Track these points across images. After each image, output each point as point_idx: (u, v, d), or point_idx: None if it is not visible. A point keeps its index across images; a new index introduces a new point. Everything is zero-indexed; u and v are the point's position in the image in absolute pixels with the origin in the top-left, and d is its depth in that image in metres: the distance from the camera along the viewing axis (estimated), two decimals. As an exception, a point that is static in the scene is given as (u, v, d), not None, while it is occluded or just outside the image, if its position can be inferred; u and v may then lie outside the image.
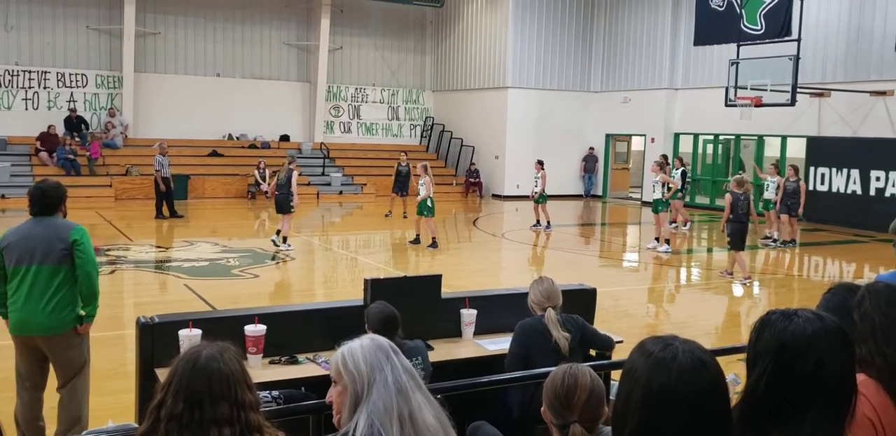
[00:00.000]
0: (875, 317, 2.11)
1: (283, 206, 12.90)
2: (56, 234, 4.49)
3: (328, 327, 4.51)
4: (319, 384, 4.10)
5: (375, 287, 4.63)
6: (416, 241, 13.64)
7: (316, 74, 24.54)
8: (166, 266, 11.47)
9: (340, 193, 22.56)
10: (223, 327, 4.15)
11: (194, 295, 9.28)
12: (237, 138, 23.90)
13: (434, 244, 13.31)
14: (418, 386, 2.03)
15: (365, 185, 23.13)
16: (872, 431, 1.94)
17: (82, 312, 4.61)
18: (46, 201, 4.55)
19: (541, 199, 15.95)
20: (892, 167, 16.50)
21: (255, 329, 4.25)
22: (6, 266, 4.51)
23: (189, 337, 4.02)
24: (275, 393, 3.84)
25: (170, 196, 17.02)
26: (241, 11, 23.84)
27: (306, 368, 4.30)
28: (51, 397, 4.70)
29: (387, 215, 18.09)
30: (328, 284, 11.10)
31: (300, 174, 12.61)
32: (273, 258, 12.20)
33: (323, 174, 23.15)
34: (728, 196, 10.97)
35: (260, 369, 4.19)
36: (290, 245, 12.85)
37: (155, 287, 10.34)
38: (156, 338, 4.15)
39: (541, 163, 16.15)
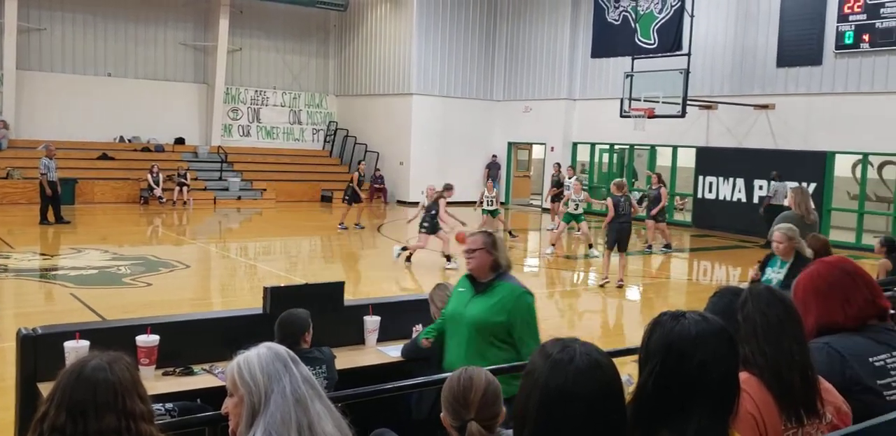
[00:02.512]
0: (756, 318, 2.22)
1: (433, 225, 12.43)
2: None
3: (225, 336, 4.38)
4: (216, 395, 3.97)
5: (275, 295, 4.54)
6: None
7: (214, 76, 23.94)
8: (51, 275, 10.91)
9: (239, 198, 22.05)
10: (113, 338, 3.96)
11: (82, 305, 8.87)
12: (129, 141, 23.03)
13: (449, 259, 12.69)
14: (318, 396, 1.99)
15: (265, 190, 22.69)
16: (754, 425, 2.02)
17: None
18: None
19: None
20: (771, 176, 17.42)
21: (147, 339, 4.09)
22: None
23: (75, 349, 3.82)
24: (169, 405, 3.70)
25: (56, 201, 16.22)
26: (135, 9, 23.02)
27: (202, 379, 4.16)
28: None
29: (359, 227, 17.33)
30: (226, 293, 10.81)
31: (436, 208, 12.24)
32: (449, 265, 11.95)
33: (220, 179, 22.58)
34: (609, 199, 11.39)
35: (153, 381, 4.02)
36: (454, 262, 12.28)
37: (39, 297, 9.81)
38: (38, 350, 3.93)
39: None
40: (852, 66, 16.22)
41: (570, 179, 17.79)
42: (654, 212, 15.10)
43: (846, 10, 16.09)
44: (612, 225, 11.19)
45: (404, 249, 12.75)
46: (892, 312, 2.69)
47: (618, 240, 11.18)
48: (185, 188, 20.98)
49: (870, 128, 15.81)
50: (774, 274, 5.93)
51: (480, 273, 3.91)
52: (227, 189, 22.23)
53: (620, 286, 11.18)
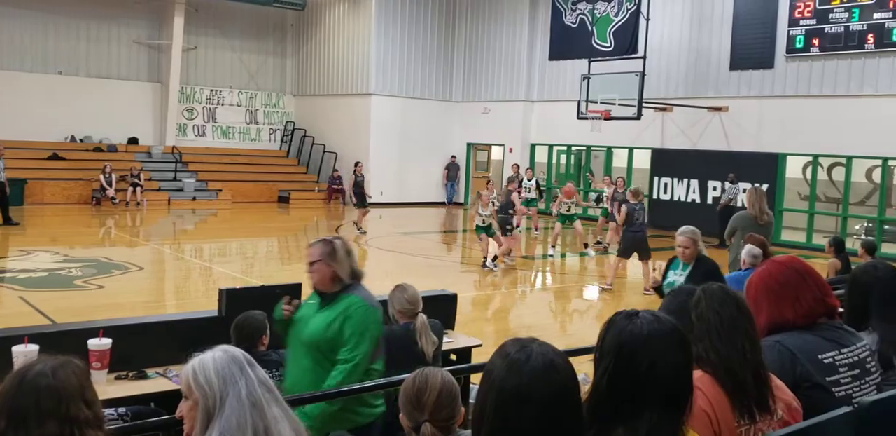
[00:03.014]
0: (710, 316, 2.25)
1: (503, 226, 12.30)
2: None
3: (180, 339, 4.32)
4: (170, 399, 3.92)
5: (231, 297, 4.49)
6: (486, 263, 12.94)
7: (168, 75, 23.56)
8: (-1, 277, 10.65)
9: (194, 199, 21.74)
10: (64, 342, 3.88)
11: (31, 308, 8.66)
12: (81, 141, 22.56)
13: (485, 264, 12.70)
14: (275, 399, 1.96)
15: (220, 191, 22.41)
16: (708, 422, 2.06)
17: None
18: None
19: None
20: (727, 177, 17.72)
21: (99, 343, 4.02)
22: None
23: (24, 353, 3.73)
24: (121, 410, 3.64)
25: (4, 202, 15.82)
26: (87, 6, 22.54)
27: (156, 382, 4.10)
28: None
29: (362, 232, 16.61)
30: (180, 295, 10.65)
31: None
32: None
33: (175, 179, 22.25)
34: (624, 207, 11.36)
35: (105, 386, 3.95)
36: (496, 265, 12.25)
37: (-14, 300, 9.56)
38: (-15, 355, 3.83)
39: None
40: (803, 69, 16.60)
41: (528, 180, 18.00)
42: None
43: (797, 15, 16.46)
44: (626, 233, 11.09)
45: (494, 259, 12.60)
46: (840, 310, 2.75)
47: (636, 249, 11.10)
48: (138, 189, 20.64)
49: (819, 130, 16.19)
50: (676, 277, 5.99)
51: (323, 286, 3.58)
52: (181, 190, 21.91)
53: (646, 294, 10.74)
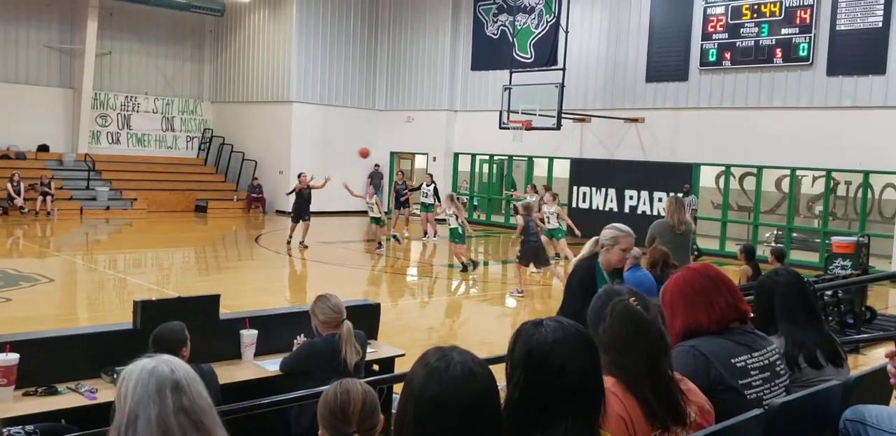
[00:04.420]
0: (610, 333, 2.27)
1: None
2: None
3: (92, 353, 4.17)
4: (82, 415, 3.79)
5: (147, 309, 4.37)
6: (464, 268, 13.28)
7: (81, 80, 22.76)
8: None
9: (108, 208, 21.05)
10: (-34, 358, 3.70)
11: (-69, 323, 8.22)
12: (-13, 147, 21.58)
13: (465, 268, 13.25)
14: (195, 428, 1.81)
15: (136, 200, 21.76)
16: (624, 427, 2.10)
17: None
18: None
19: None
20: (643, 187, 18.22)
21: (4, 358, 3.84)
22: None
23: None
24: (29, 428, 3.49)
25: None
26: (-7, 8, 21.65)
27: (67, 398, 3.94)
28: None
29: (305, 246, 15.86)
30: (93, 308, 10.28)
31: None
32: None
33: (88, 188, 21.49)
34: (520, 218, 11.68)
35: (11, 403, 3.78)
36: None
37: None
38: None
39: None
40: (715, 82, 17.21)
41: (427, 186, 18.13)
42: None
43: (710, 30, 17.07)
44: (526, 244, 11.42)
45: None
46: (751, 315, 2.86)
47: (533, 258, 11.51)
48: (48, 198, 19.86)
49: (731, 141, 16.80)
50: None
51: None
52: (94, 199, 21.18)
53: (516, 296, 11.31)
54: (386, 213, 18.12)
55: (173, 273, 12.95)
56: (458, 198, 14.76)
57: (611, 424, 1.97)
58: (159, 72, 24.87)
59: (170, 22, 24.50)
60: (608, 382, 2.12)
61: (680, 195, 15.83)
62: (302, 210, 15.81)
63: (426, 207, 17.81)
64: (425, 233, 17.85)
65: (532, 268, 12.26)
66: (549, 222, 14.23)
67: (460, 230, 13.39)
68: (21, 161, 21.39)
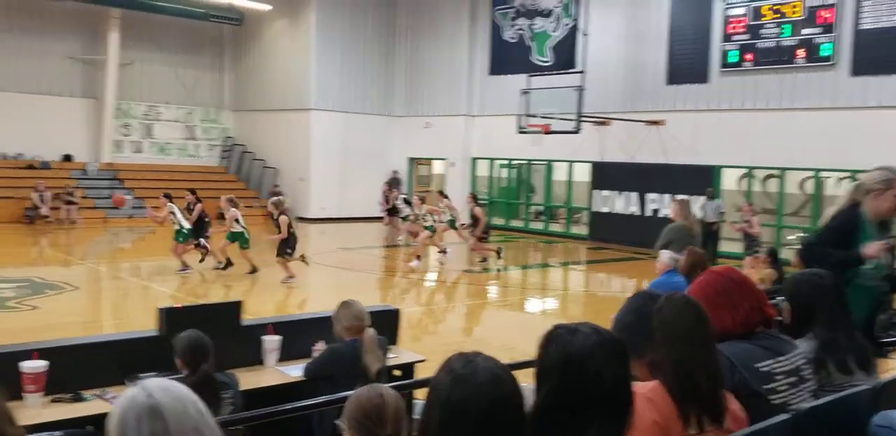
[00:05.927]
0: (670, 324, 2.28)
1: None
2: None
3: (118, 360, 4.21)
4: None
5: (171, 316, 4.39)
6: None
7: (104, 90, 23.04)
8: (-75, 300, 10.21)
9: (131, 217, 21.24)
10: (-5, 365, 3.75)
11: (-40, 331, 8.32)
12: (13, 158, 21.88)
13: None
14: None
15: (158, 208, 21.88)
16: (658, 432, 2.08)
17: None
18: None
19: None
20: (665, 190, 18.09)
21: (33, 365, 3.88)
22: None
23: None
24: (57, 434, 3.52)
25: (-70, 221, 15.24)
26: (18, 20, 21.93)
27: (93, 405, 3.97)
28: None
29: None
30: (118, 315, 10.38)
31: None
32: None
33: (111, 197, 21.68)
34: (283, 218, 12.23)
35: (40, 409, 3.82)
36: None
37: (-90, 324, 9.15)
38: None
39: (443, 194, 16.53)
40: (736, 83, 17.08)
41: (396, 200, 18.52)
42: (477, 232, 14.81)
43: (730, 30, 16.96)
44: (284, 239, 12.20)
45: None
46: (777, 319, 2.83)
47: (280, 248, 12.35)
48: (72, 207, 20.08)
49: (754, 143, 16.66)
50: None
51: None
52: (117, 207, 21.36)
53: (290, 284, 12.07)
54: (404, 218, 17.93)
55: (197, 281, 13.02)
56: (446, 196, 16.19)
57: (645, 431, 1.95)
58: (180, 81, 25.10)
59: (189, 31, 24.73)
60: (647, 386, 2.10)
61: (704, 199, 15.88)
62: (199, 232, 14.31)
63: (430, 228, 16.91)
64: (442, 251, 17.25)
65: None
66: (425, 220, 15.25)
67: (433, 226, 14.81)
68: (46, 171, 21.67)
